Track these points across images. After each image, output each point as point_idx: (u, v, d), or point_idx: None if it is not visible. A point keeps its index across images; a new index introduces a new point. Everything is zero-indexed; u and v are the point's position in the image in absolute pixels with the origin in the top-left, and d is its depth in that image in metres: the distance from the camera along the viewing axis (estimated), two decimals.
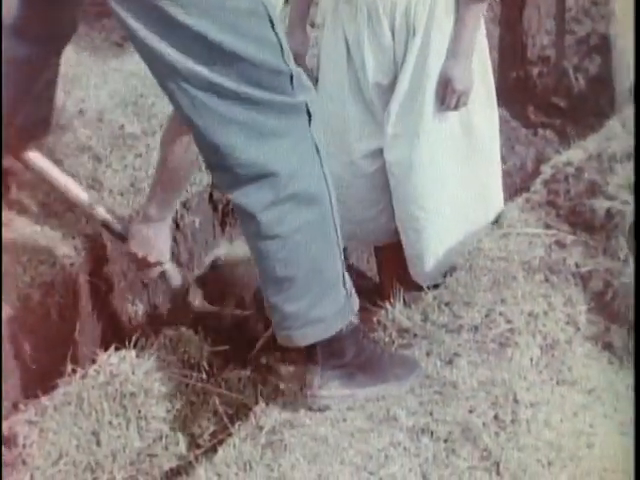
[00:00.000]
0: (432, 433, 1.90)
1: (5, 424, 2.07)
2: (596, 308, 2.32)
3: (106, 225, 2.44)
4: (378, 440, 1.88)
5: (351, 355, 2.00)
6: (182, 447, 2.21)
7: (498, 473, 1.83)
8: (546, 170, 2.81)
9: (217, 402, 2.28)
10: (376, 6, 2.61)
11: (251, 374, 2.47)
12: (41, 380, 2.24)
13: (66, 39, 2.20)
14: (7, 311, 2.25)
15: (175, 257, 2.76)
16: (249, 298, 2.55)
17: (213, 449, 2.08)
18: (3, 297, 2.21)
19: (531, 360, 2.14)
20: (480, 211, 2.79)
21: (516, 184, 4.01)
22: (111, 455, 2.11)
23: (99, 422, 2.13)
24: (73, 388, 2.16)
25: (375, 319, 2.39)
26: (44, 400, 2.14)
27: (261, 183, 1.83)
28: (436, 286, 2.51)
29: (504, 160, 3.51)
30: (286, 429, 1.93)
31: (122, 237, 2.41)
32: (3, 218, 2.43)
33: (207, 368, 2.38)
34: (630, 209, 2.47)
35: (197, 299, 2.53)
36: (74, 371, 2.21)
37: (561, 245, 2.50)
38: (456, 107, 2.65)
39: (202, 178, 3.09)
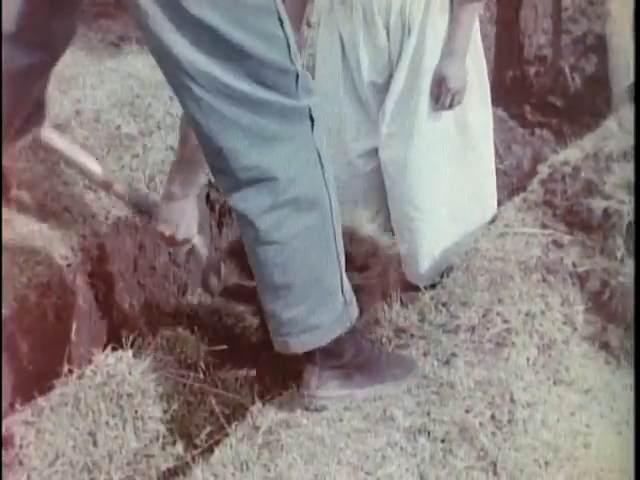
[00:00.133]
0: (429, 433, 1.90)
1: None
2: (593, 308, 2.31)
3: (131, 203, 2.44)
4: (375, 440, 1.88)
5: (349, 356, 1.99)
6: (179, 447, 2.21)
7: (495, 473, 1.82)
8: (543, 170, 2.80)
9: (214, 402, 2.28)
10: (371, 6, 2.61)
11: (247, 373, 2.47)
12: (38, 380, 2.24)
13: (66, 43, 2.19)
14: (4, 312, 2.25)
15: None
16: None
17: (210, 449, 2.07)
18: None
19: (528, 360, 2.14)
20: (476, 211, 2.79)
21: (513, 184, 4.01)
22: (108, 455, 2.11)
23: (96, 422, 2.12)
24: (70, 388, 2.16)
25: (372, 319, 2.39)
26: (41, 401, 2.14)
27: (260, 187, 1.82)
28: (433, 286, 2.50)
29: (501, 160, 3.52)
30: (283, 429, 1.92)
31: (148, 213, 2.41)
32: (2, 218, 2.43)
33: (204, 368, 2.38)
34: (627, 208, 2.47)
35: (226, 273, 2.51)
36: (71, 371, 2.21)
37: (558, 245, 2.50)
38: (451, 106, 2.65)
39: None
